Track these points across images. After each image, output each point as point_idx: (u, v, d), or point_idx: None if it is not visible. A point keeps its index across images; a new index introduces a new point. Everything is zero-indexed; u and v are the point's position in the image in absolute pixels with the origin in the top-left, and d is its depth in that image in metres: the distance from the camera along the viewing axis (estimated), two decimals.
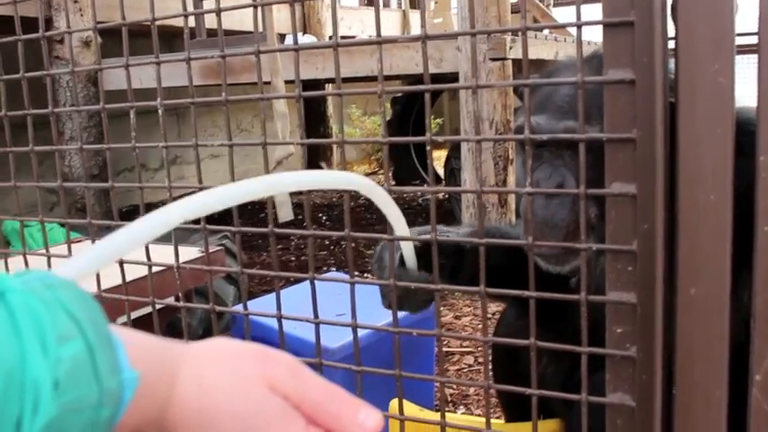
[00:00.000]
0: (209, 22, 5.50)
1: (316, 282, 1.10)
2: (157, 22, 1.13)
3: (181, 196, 0.76)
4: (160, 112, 1.18)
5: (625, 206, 0.83)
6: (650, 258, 0.81)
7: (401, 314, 2.05)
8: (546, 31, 4.81)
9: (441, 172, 6.78)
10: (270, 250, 5.30)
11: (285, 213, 3.72)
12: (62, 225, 3.59)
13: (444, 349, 2.73)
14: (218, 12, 1.09)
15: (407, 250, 1.19)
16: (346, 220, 1.05)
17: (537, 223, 1.19)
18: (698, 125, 0.78)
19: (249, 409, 0.59)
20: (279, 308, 1.14)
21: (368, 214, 6.03)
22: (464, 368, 2.62)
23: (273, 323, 1.17)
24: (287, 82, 4.85)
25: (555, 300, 0.89)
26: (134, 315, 1.46)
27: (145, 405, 0.57)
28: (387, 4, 10.43)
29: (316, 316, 1.10)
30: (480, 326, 2.91)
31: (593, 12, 1.09)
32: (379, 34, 0.98)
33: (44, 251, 1.42)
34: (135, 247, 0.68)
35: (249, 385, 0.61)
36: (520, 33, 0.87)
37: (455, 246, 1.33)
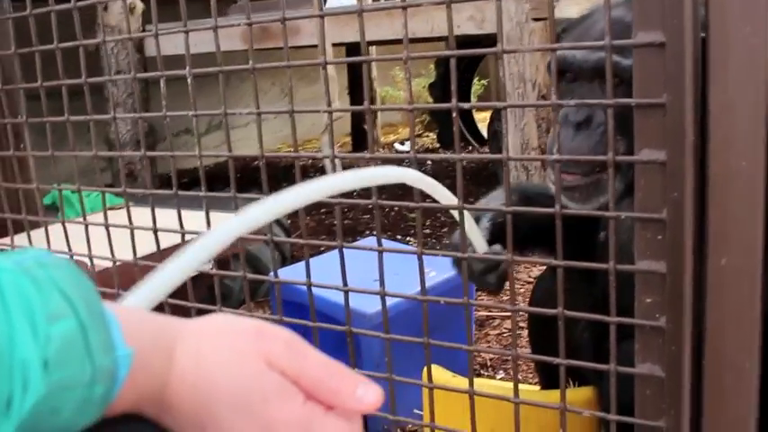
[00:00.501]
0: None
1: (362, 240, 1.09)
2: None
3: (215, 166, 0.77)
4: (189, 80, 1.18)
5: (654, 173, 0.81)
6: (680, 227, 0.79)
7: (443, 278, 2.05)
8: None
9: (485, 133, 6.72)
10: (315, 214, 5.33)
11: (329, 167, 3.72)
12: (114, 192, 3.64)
13: (485, 313, 2.72)
14: None
15: (477, 237, 1.17)
16: (373, 190, 1.05)
17: (563, 155, 1.18)
18: (729, 90, 0.75)
19: (246, 384, 0.59)
20: (308, 275, 1.14)
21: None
22: (504, 332, 2.61)
23: (314, 289, 1.17)
24: (334, 45, 4.83)
25: (584, 263, 0.88)
26: None
27: (142, 381, 0.57)
28: None
29: (345, 284, 1.10)
30: (522, 289, 2.90)
31: None
32: None
33: (82, 219, 1.44)
34: (194, 268, 0.72)
35: (246, 361, 0.60)
36: None
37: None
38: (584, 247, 1.21)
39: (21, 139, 1.71)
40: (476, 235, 1.17)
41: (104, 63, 5.06)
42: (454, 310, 2.02)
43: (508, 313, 2.86)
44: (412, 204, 0.99)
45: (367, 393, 0.62)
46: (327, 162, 5.34)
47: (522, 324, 2.69)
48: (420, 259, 1.00)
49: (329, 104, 1.11)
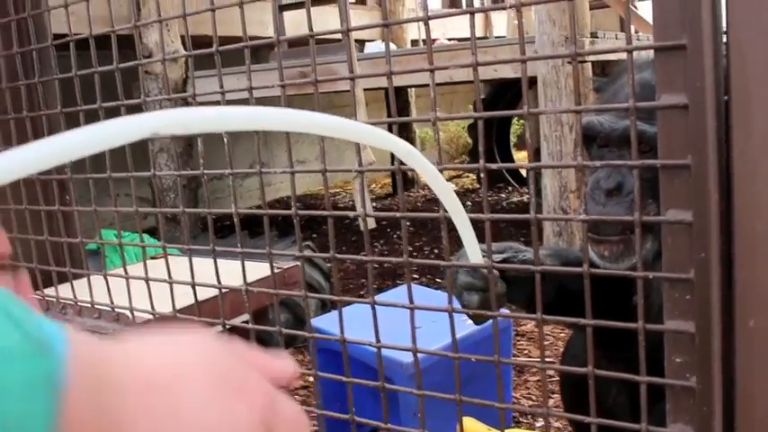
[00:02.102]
0: (291, 30, 5.59)
1: (396, 289, 1.10)
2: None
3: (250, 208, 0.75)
4: (225, 141, 1.21)
5: (681, 234, 0.81)
6: (707, 287, 0.79)
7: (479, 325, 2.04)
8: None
9: (524, 173, 6.71)
10: (354, 257, 5.36)
11: (369, 222, 3.75)
12: (152, 235, 3.70)
13: (524, 359, 2.71)
14: (240, 19, 1.11)
15: (474, 249, 1.12)
16: (405, 245, 1.06)
17: (593, 220, 1.17)
18: (752, 152, 0.75)
19: None
20: (342, 331, 1.16)
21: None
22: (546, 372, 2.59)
23: (351, 335, 1.17)
24: (366, 90, 4.89)
25: (612, 323, 0.88)
26: (214, 330, 1.50)
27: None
28: (469, 4, 10.38)
29: (377, 340, 1.11)
30: (562, 334, 2.88)
31: None
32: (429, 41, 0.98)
33: (123, 272, 1.47)
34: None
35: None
36: (593, 38, 0.86)
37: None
38: (618, 311, 1.21)
39: (66, 192, 1.76)
40: (473, 246, 1.08)
41: (150, 109, 5.17)
42: (490, 351, 2.01)
43: (549, 359, 2.84)
44: (443, 263, 1.00)
45: None
46: (359, 209, 5.37)
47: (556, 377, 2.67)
48: (451, 317, 1.01)
49: (360, 160, 1.13)
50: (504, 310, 1.25)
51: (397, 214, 1.02)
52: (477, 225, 0.96)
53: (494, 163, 6.11)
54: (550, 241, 3.79)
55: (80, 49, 1.39)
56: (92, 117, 1.41)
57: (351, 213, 1.07)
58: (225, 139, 1.22)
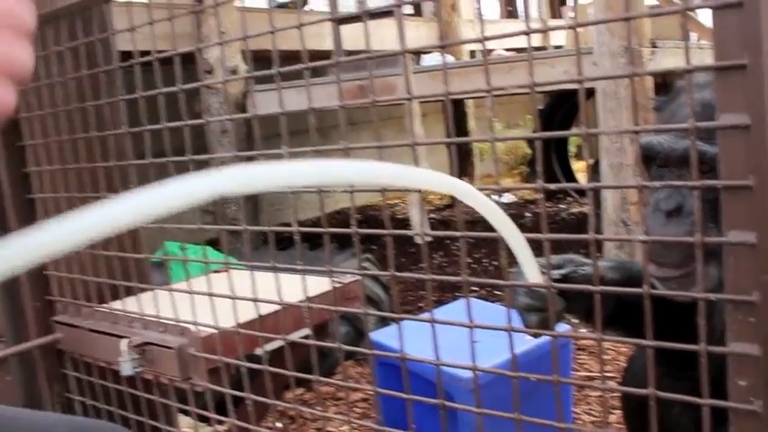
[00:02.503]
0: (349, 42, 5.64)
1: (456, 303, 1.11)
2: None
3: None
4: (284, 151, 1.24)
5: (744, 255, 0.80)
6: None
7: (540, 340, 2.03)
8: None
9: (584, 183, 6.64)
10: (412, 269, 5.35)
11: (418, 231, 3.76)
12: (214, 245, 3.76)
13: (585, 374, 2.68)
14: (298, 31, 1.13)
15: (532, 268, 1.13)
16: (463, 263, 1.07)
17: (654, 244, 1.16)
18: None
19: None
20: (402, 347, 1.17)
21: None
22: (606, 394, 2.56)
23: (410, 349, 1.18)
24: (422, 102, 4.90)
25: (677, 347, 0.87)
26: (275, 345, 1.53)
27: None
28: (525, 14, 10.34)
29: (437, 357, 1.12)
30: (623, 348, 2.84)
31: None
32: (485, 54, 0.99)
33: (187, 286, 1.51)
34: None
35: None
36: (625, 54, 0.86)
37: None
38: (681, 329, 1.19)
39: None
40: (531, 265, 1.09)
41: (211, 125, 5.27)
42: (551, 370, 2.00)
43: (610, 374, 2.81)
44: (501, 283, 1.01)
45: None
46: (416, 226, 5.38)
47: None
48: (510, 336, 1.02)
49: (413, 141, 1.14)
50: (565, 326, 1.25)
51: (457, 233, 1.02)
52: (536, 244, 0.97)
53: (552, 174, 6.04)
54: (611, 253, 3.75)
55: (145, 64, 1.43)
56: (156, 136, 1.45)
57: (410, 233, 1.08)
58: (284, 153, 1.24)
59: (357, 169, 0.73)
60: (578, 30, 0.97)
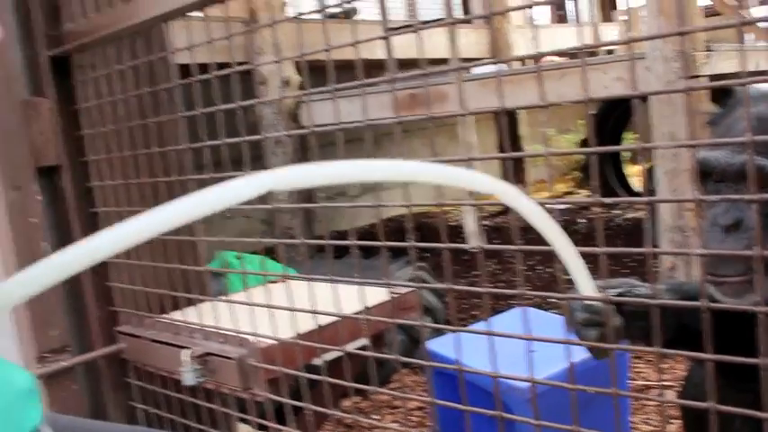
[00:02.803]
0: (401, 51, 5.66)
1: (511, 311, 1.12)
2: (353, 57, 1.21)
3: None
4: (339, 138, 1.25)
5: None
6: None
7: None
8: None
9: (638, 189, 6.57)
10: (466, 276, 5.35)
11: (474, 242, 3.77)
12: (270, 254, 3.81)
13: (642, 382, 2.65)
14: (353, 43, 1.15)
15: (586, 281, 1.12)
16: (520, 276, 1.07)
17: (712, 258, 1.15)
18: None
19: None
20: (458, 360, 1.18)
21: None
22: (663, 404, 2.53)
23: (466, 357, 1.20)
24: (475, 112, 4.89)
25: (737, 360, 0.87)
26: (333, 355, 1.55)
27: None
28: (579, 20, 10.26)
29: (495, 369, 1.13)
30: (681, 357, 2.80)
31: None
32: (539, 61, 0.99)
33: (245, 298, 1.54)
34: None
35: None
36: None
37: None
38: (741, 342, 1.18)
39: (193, 224, 1.85)
40: (586, 280, 1.07)
41: (264, 145, 5.33)
42: (608, 377, 2.00)
43: (668, 383, 2.78)
44: (557, 295, 1.01)
45: None
46: (468, 224, 5.37)
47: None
48: (568, 349, 1.02)
49: (469, 157, 1.15)
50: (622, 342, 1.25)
51: (513, 247, 1.03)
52: (592, 257, 0.97)
53: (606, 179, 5.97)
54: (666, 261, 3.70)
55: (203, 72, 1.47)
56: (215, 151, 1.49)
57: (467, 246, 1.10)
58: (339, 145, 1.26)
59: (414, 169, 0.75)
60: (634, 34, 0.96)
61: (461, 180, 0.83)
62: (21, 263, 1.79)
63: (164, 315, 1.81)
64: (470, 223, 4.98)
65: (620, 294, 1.24)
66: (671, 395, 2.65)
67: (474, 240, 3.66)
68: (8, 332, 1.80)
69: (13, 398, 0.57)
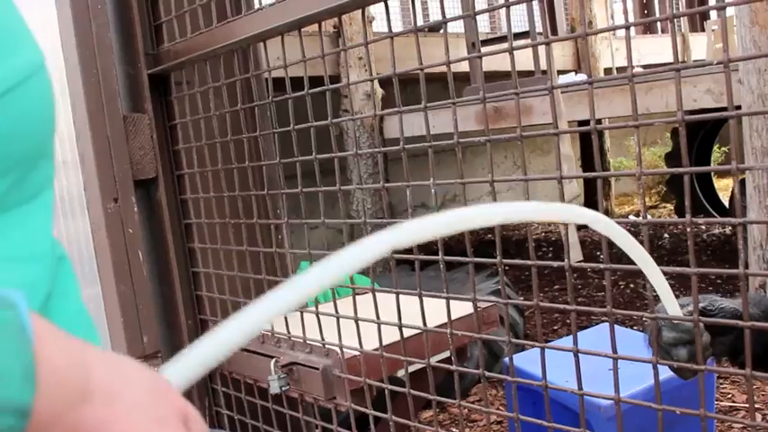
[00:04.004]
0: (486, 65, 5.66)
1: (594, 328, 1.12)
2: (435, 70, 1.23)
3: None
4: (430, 153, 1.27)
5: None
6: None
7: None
8: None
9: (726, 202, 6.40)
10: (548, 290, 5.30)
11: (575, 254, 3.74)
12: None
13: (728, 404, 2.59)
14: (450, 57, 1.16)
15: (671, 301, 1.12)
16: (608, 295, 1.08)
17: None
18: None
19: None
20: (544, 376, 1.18)
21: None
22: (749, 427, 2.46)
23: (550, 374, 1.20)
24: (570, 122, 4.87)
25: None
26: (415, 368, 1.57)
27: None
28: (665, 29, 10.07)
29: (579, 387, 1.13)
30: None
31: None
32: (589, 75, 1.00)
33: (333, 310, 1.57)
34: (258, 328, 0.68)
35: None
36: None
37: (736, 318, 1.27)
38: None
39: (279, 232, 1.90)
40: (670, 298, 1.08)
41: (348, 145, 5.41)
42: (694, 395, 1.97)
43: (757, 405, 2.71)
44: (647, 315, 1.01)
45: None
46: (562, 233, 5.32)
47: None
48: (655, 368, 1.02)
49: (560, 175, 1.16)
50: (710, 362, 1.23)
51: (601, 265, 1.04)
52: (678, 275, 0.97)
53: (693, 193, 5.85)
54: (757, 280, 3.60)
55: (295, 89, 1.52)
56: (307, 165, 1.53)
57: (555, 264, 1.10)
58: (432, 188, 1.29)
59: (511, 210, 0.83)
60: (723, 44, 0.96)
61: (556, 213, 0.92)
62: (117, 271, 1.87)
63: None
64: (569, 236, 4.94)
65: (704, 310, 1.22)
66: (759, 419, 2.58)
67: (574, 253, 3.63)
68: (102, 339, 1.89)
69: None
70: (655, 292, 1.02)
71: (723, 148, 8.86)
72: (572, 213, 0.90)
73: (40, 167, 0.62)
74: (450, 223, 0.74)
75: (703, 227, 6.91)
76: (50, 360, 0.53)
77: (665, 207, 8.41)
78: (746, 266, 0.90)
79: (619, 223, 0.93)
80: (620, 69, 7.87)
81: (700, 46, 9.45)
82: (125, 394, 0.60)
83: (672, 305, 1.07)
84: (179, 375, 0.66)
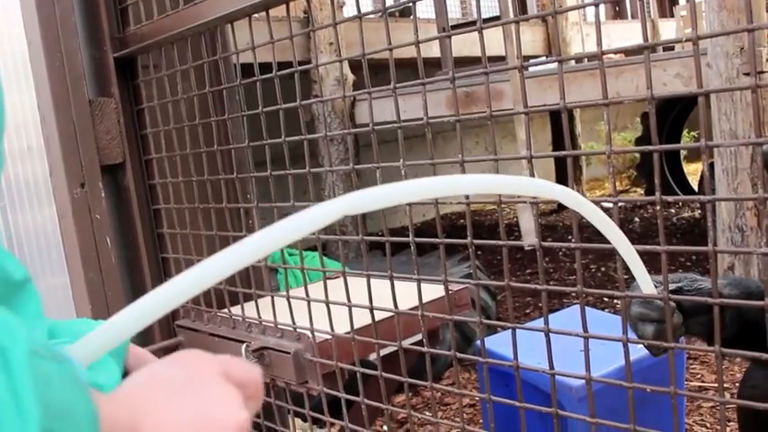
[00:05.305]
0: (456, 49, 5.66)
1: (565, 310, 1.12)
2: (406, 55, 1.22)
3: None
4: (399, 134, 1.27)
5: None
6: None
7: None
8: None
9: (695, 186, 6.46)
10: (519, 274, 5.32)
11: (530, 240, 3.75)
12: (325, 254, 3.85)
13: (697, 384, 2.62)
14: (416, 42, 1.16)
15: (646, 280, 1.11)
16: (579, 274, 1.08)
17: None
18: None
19: None
20: (516, 356, 1.18)
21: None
22: (718, 404, 2.49)
23: (522, 356, 1.20)
24: (536, 110, 4.87)
25: None
26: (387, 351, 1.57)
27: None
28: (635, 15, 10.13)
29: (551, 367, 1.13)
30: (738, 358, 2.76)
31: None
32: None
33: (304, 294, 1.56)
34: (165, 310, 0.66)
35: None
36: None
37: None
38: None
39: (249, 217, 1.88)
40: (644, 277, 1.07)
41: (319, 130, 5.39)
42: (665, 376, 1.99)
43: (726, 384, 2.74)
44: (617, 294, 1.01)
45: None
46: (524, 222, 5.36)
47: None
48: (626, 347, 1.02)
49: (530, 155, 1.15)
50: (681, 338, 1.24)
51: (572, 245, 1.04)
52: (648, 255, 0.97)
53: (663, 177, 5.90)
54: (725, 261, 3.64)
55: (264, 70, 1.50)
56: (277, 150, 1.51)
57: (524, 243, 1.10)
58: (402, 170, 1.28)
59: (476, 181, 0.78)
60: (691, 29, 0.95)
61: (524, 187, 0.87)
62: (84, 258, 1.85)
63: (223, 310, 1.84)
64: (527, 221, 4.96)
65: (679, 289, 1.23)
66: (727, 397, 2.60)
67: (530, 238, 3.64)
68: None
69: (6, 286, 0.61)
70: (627, 272, 1.02)
71: (692, 133, 8.93)
72: (541, 188, 0.88)
73: None
74: (414, 192, 0.73)
75: (673, 210, 6.97)
76: (102, 407, 0.58)
77: (635, 191, 8.48)
78: (715, 244, 0.90)
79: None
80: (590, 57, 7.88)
81: (669, 31, 9.52)
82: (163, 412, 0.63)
83: (645, 282, 1.07)
84: (88, 352, 0.66)
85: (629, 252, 0.97)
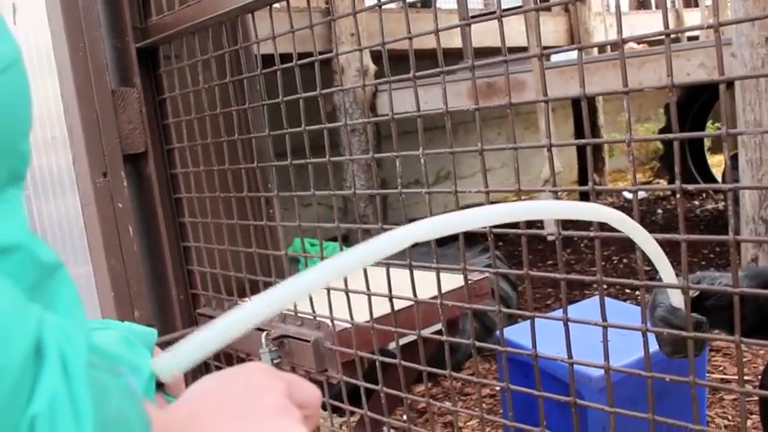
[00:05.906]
0: (477, 40, 5.65)
1: (586, 301, 1.12)
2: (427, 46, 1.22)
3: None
4: (419, 122, 1.26)
5: None
6: None
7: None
8: None
9: (719, 178, 6.40)
10: (540, 265, 5.31)
11: (550, 230, 3.74)
12: (345, 242, 3.86)
13: (719, 376, 2.60)
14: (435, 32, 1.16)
15: (676, 293, 1.12)
16: (598, 264, 1.07)
17: None
18: None
19: None
20: (534, 345, 1.18)
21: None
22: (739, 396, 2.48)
23: (542, 347, 1.20)
24: (556, 99, 4.85)
25: None
26: (406, 340, 1.57)
27: None
28: (659, 5, 10.03)
29: (570, 356, 1.13)
30: (762, 351, 2.74)
31: None
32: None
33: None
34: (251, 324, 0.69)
35: None
36: None
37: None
38: None
39: (270, 206, 1.89)
40: (669, 275, 1.06)
41: (340, 121, 5.40)
42: (684, 368, 1.98)
43: (747, 377, 2.72)
44: (636, 282, 1.01)
45: None
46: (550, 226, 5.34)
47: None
48: (645, 336, 1.02)
49: (550, 143, 1.15)
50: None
51: (591, 233, 1.03)
52: (670, 245, 0.96)
53: (686, 169, 5.86)
54: (749, 253, 3.61)
55: (284, 62, 1.50)
56: (298, 140, 1.52)
57: (545, 232, 1.10)
58: (422, 158, 1.28)
59: (518, 210, 0.83)
60: (713, 17, 0.95)
61: (584, 213, 0.92)
62: (107, 246, 1.86)
63: (243, 298, 1.85)
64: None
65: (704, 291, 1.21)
66: (751, 390, 2.59)
67: (551, 228, 3.63)
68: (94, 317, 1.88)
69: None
70: (648, 263, 1.01)
71: (716, 124, 8.84)
72: (597, 213, 0.91)
73: (2, 164, 0.60)
74: (466, 222, 0.75)
75: (697, 202, 6.92)
76: (155, 419, 0.59)
77: (658, 183, 8.42)
78: (737, 233, 0.90)
79: (612, 199, 0.92)
80: (613, 46, 7.82)
81: (694, 21, 9.42)
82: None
83: (668, 278, 1.06)
84: (176, 363, 0.69)
85: (652, 246, 0.96)
